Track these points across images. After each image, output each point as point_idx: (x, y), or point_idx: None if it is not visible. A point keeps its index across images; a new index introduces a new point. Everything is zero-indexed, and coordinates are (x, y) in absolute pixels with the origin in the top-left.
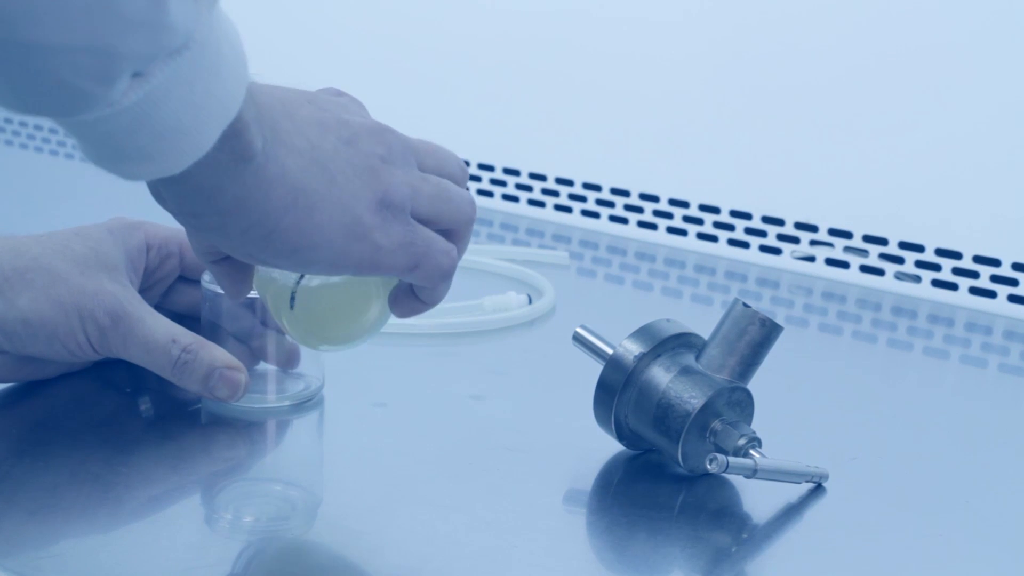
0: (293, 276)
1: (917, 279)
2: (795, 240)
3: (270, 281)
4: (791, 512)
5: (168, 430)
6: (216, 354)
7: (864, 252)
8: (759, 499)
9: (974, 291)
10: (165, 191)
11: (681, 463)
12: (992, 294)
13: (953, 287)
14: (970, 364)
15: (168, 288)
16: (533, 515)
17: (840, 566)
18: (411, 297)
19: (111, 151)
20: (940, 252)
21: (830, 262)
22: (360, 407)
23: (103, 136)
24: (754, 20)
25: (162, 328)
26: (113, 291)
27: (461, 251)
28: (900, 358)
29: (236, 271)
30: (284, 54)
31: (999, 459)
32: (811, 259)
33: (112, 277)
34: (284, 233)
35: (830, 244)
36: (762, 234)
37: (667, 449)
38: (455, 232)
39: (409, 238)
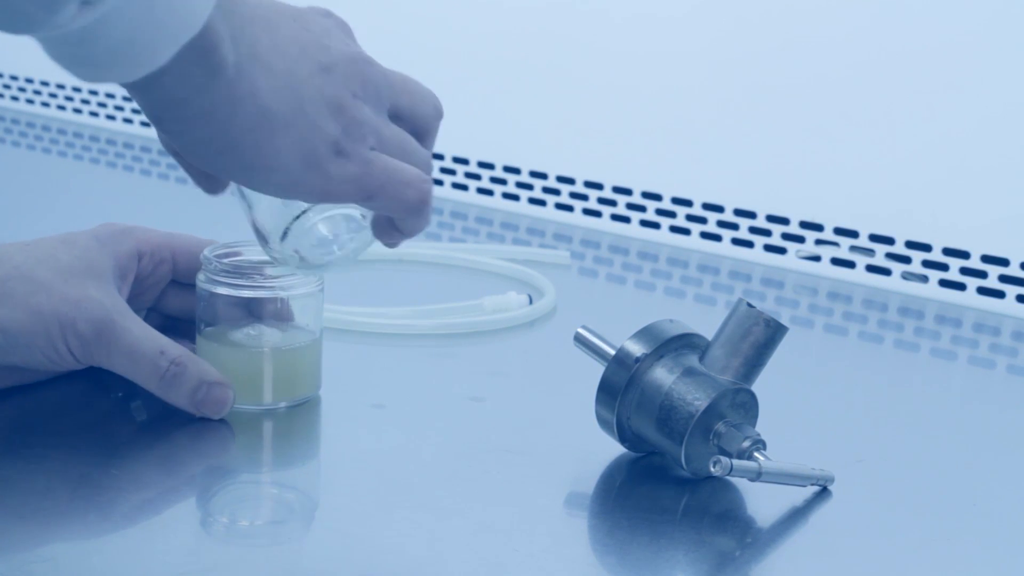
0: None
1: (924, 279)
2: (800, 239)
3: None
4: (796, 516)
5: (162, 432)
6: (204, 368)
7: (870, 251)
8: (763, 502)
9: (982, 291)
10: (131, 93)
11: (684, 466)
12: (1000, 294)
13: (961, 287)
14: (978, 365)
15: (160, 292)
16: (534, 518)
17: (846, 570)
18: (390, 224)
19: (65, 55)
20: (947, 251)
21: (836, 261)
22: (358, 408)
23: (55, 41)
24: (758, 16)
25: (150, 339)
26: (99, 299)
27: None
28: (907, 359)
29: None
30: None
31: (1007, 461)
32: (816, 258)
33: (98, 285)
34: (243, 151)
35: (836, 243)
36: (766, 233)
37: (670, 451)
38: None
39: (365, 170)
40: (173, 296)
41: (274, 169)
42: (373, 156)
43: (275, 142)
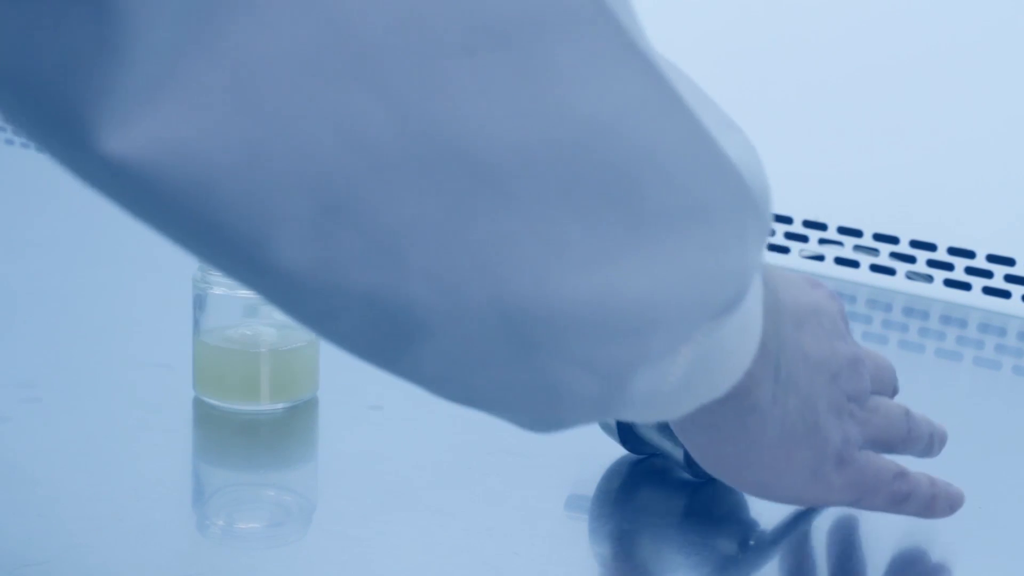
0: None
1: (929, 279)
2: (803, 239)
3: None
4: (799, 518)
5: (158, 435)
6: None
7: (874, 251)
8: (766, 504)
9: (988, 291)
10: None
11: (686, 468)
12: (1006, 294)
13: (966, 287)
14: (983, 366)
15: None
16: (534, 521)
17: (849, 573)
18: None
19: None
20: (952, 251)
21: (839, 261)
22: (355, 409)
23: None
24: (761, 15)
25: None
26: None
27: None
28: (911, 360)
29: None
30: None
31: (1013, 463)
32: (820, 258)
33: None
34: (759, 468)
35: (839, 243)
36: (769, 232)
37: (672, 453)
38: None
39: (859, 477)
40: None
41: (783, 484)
42: (863, 459)
43: (791, 458)
